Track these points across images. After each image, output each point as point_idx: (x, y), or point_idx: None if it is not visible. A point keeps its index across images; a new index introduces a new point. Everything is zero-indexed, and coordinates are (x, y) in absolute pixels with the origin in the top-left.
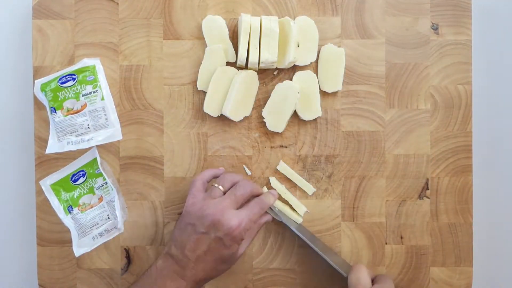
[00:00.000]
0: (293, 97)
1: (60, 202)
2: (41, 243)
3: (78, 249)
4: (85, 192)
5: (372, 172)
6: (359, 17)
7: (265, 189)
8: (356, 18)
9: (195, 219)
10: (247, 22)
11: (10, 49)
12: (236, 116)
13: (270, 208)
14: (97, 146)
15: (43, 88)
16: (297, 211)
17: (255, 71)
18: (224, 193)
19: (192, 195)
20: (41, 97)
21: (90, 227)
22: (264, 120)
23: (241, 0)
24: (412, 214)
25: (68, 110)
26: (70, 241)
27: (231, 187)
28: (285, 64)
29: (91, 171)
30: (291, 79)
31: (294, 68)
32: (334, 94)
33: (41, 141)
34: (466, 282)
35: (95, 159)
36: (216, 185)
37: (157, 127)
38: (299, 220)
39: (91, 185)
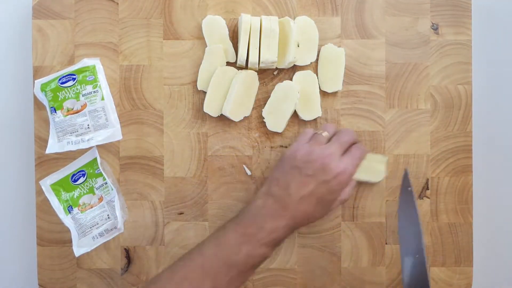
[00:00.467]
0: (293, 97)
1: (60, 202)
2: (41, 243)
3: (78, 249)
4: (85, 192)
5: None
6: (359, 17)
7: None
8: (356, 18)
9: (301, 162)
10: (247, 22)
11: (10, 49)
12: (236, 116)
13: None
14: (97, 146)
15: (43, 88)
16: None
17: (255, 71)
18: (329, 140)
19: (298, 142)
20: (41, 97)
21: (90, 227)
22: (264, 120)
23: (241, 0)
24: None
25: (68, 110)
26: (70, 241)
27: (334, 134)
28: (285, 64)
29: (91, 171)
30: (291, 79)
31: (294, 68)
32: (334, 94)
33: (41, 141)
34: (466, 282)
35: (95, 159)
36: (320, 132)
37: (157, 127)
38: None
39: (91, 185)
